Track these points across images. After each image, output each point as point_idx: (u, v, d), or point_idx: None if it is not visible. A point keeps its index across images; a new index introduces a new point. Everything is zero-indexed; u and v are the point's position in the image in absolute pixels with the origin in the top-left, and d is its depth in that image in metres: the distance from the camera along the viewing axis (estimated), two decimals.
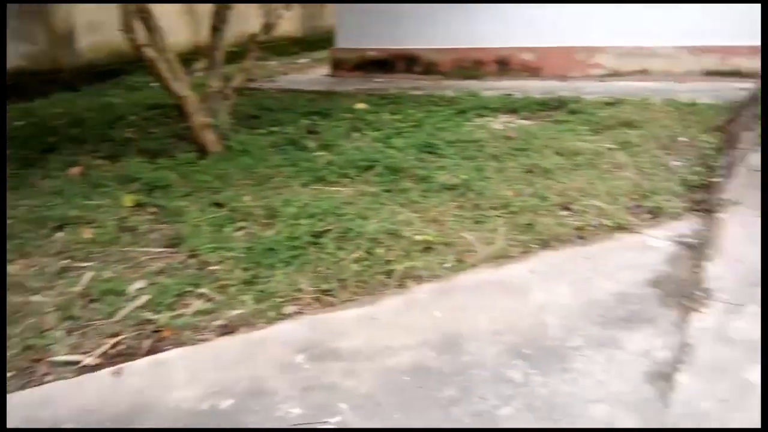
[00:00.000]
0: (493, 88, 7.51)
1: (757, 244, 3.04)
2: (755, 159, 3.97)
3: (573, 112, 5.86)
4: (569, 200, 3.71)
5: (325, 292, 2.85)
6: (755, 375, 2.09)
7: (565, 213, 3.59)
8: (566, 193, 3.80)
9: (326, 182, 4.27)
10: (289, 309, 2.74)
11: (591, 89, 7.06)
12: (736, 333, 2.34)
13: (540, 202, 3.69)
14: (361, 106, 6.63)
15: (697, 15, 6.90)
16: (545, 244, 3.24)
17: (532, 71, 8.16)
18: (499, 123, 5.76)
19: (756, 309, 2.49)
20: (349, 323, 2.62)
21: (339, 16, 9.52)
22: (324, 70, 10.16)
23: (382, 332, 2.54)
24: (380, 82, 8.60)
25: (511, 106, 6.28)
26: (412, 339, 2.47)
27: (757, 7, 5.16)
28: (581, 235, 3.32)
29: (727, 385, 2.06)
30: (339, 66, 9.45)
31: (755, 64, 6.11)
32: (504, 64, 8.30)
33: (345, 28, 9.25)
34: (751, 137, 4.40)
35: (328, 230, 3.37)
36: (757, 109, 4.77)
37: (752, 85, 5.90)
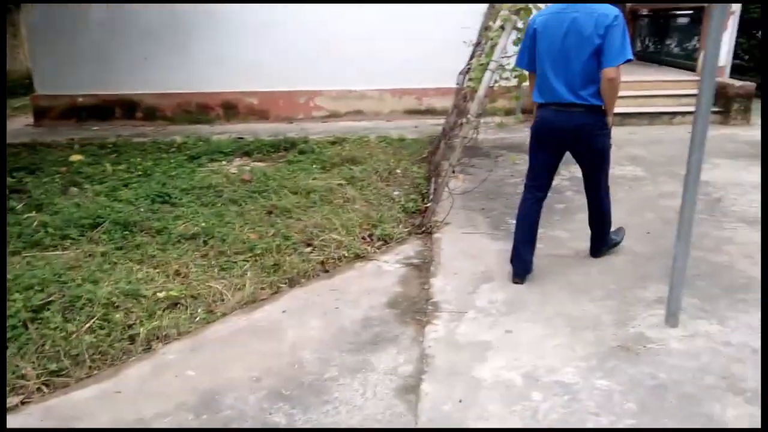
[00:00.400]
0: (223, 132, 7.49)
1: (468, 257, 3.60)
2: (453, 184, 4.70)
3: (303, 152, 6.16)
4: (310, 237, 3.89)
5: (55, 373, 2.47)
6: (483, 372, 2.45)
7: (308, 249, 3.74)
8: (307, 230, 3.97)
9: (42, 247, 3.71)
10: (13, 401, 2.31)
11: (316, 130, 7.55)
12: (462, 338, 2.73)
13: (283, 241, 3.78)
14: (77, 158, 5.96)
15: (397, 63, 7.95)
16: (293, 282, 3.34)
17: (260, 114, 8.37)
18: (233, 167, 5.75)
19: (474, 314, 2.94)
20: (88, 403, 2.32)
21: (35, 59, 8.45)
22: (26, 119, 8.87)
23: (129, 405, 2.31)
24: (97, 131, 7.86)
25: (244, 149, 6.33)
26: (165, 405, 2.29)
27: (445, 56, 6.14)
28: (325, 269, 3.51)
29: (462, 386, 2.38)
30: (44, 114, 8.34)
31: (445, 103, 7.26)
32: (231, 108, 8.34)
33: (44, 73, 8.23)
34: (446, 165, 5.20)
35: (51, 301, 2.93)
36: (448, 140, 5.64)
37: (443, 121, 6.99)
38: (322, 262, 3.54)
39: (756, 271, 3.30)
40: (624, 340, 2.67)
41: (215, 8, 7.88)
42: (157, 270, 3.37)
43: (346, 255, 3.64)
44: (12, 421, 2.23)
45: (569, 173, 5.38)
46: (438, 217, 4.25)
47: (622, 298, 3.05)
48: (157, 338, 2.76)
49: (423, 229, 4.11)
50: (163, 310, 2.95)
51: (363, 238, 3.95)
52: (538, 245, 3.78)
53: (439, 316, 2.89)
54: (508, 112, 7.68)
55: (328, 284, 3.31)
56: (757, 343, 2.59)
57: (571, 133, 3.17)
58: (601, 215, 3.50)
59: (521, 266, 3.28)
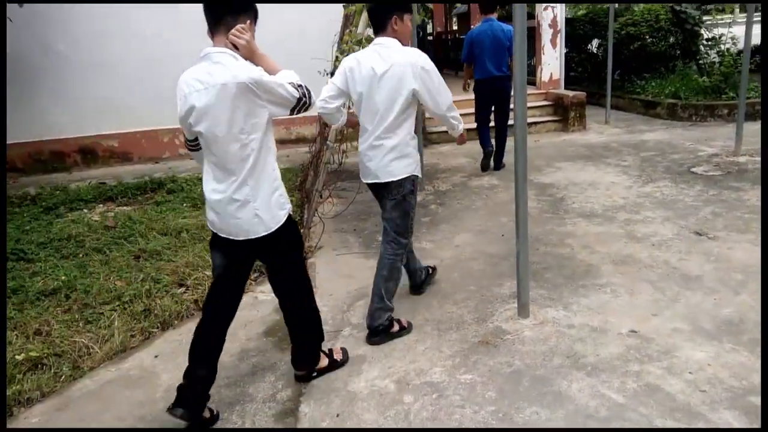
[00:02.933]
0: (82, 178, 7.10)
1: (342, 277, 3.74)
2: (325, 208, 4.84)
3: (171, 191, 6.02)
4: (183, 277, 3.83)
5: None
6: (358, 385, 2.58)
7: (181, 290, 3.69)
8: (179, 271, 3.90)
9: None
10: None
11: (185, 168, 7.38)
12: (338, 355, 2.83)
13: (154, 285, 3.69)
14: None
15: None
16: (166, 325, 3.28)
17: (122, 157, 8.03)
18: (96, 214, 5.49)
19: (350, 331, 3.07)
20: None
21: None
22: None
23: None
24: None
25: (106, 195, 6.06)
26: None
27: (309, 85, 6.29)
28: (200, 307, 3.46)
29: (339, 401, 2.48)
30: None
31: (314, 130, 7.43)
32: (89, 153, 7.93)
33: None
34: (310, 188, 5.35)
35: None
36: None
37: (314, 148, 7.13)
38: (196, 301, 3.50)
39: (594, 259, 3.74)
40: (484, 335, 2.92)
41: (58, 45, 7.46)
42: (15, 331, 3.17)
43: None
44: None
45: (433, 188, 5.74)
46: (312, 242, 4.36)
47: (481, 298, 3.33)
48: (19, 403, 2.60)
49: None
50: (24, 373, 2.78)
51: None
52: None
53: None
54: None
55: None
56: (595, 322, 2.96)
57: (499, 92, 6.02)
58: (503, 136, 6.15)
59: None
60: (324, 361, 2.64)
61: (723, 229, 4.03)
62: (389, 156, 2.81)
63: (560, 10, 8.66)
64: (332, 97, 2.87)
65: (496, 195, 5.36)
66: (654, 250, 3.79)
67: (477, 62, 6.01)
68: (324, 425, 2.32)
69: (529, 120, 7.95)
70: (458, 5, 15.39)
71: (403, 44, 2.84)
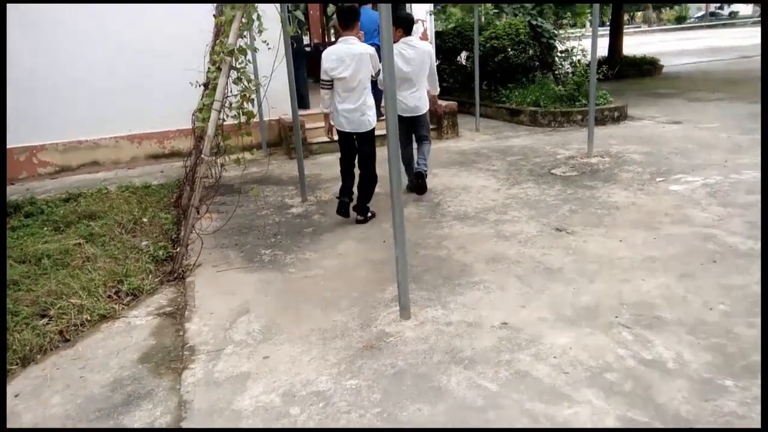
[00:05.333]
0: None
1: (224, 294, 3.64)
2: (204, 224, 4.69)
3: (29, 214, 5.51)
4: (45, 307, 3.52)
5: None
6: (243, 403, 2.52)
7: (43, 321, 3.39)
8: (40, 300, 3.59)
9: None
10: None
11: (44, 188, 6.82)
12: (221, 375, 2.76)
13: (12, 318, 3.36)
14: None
15: (131, 107, 7.59)
16: (27, 360, 3.00)
17: None
18: None
19: (233, 348, 3.00)
20: None
21: None
22: None
23: None
24: None
25: None
26: None
27: (183, 96, 6.01)
28: (66, 338, 3.22)
29: (223, 421, 2.42)
30: None
31: (189, 144, 7.16)
32: None
33: None
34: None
35: None
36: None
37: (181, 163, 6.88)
38: (61, 332, 3.24)
39: (468, 259, 3.95)
40: (368, 340, 2.98)
41: None
42: None
43: (90, 318, 3.39)
44: None
45: (315, 199, 5.76)
46: (190, 261, 4.20)
47: (365, 303, 3.40)
48: None
49: (175, 275, 4.02)
50: None
51: (109, 296, 3.71)
52: (290, 269, 4.01)
53: (196, 359, 2.88)
54: (256, 148, 7.88)
55: (69, 354, 3.05)
56: (471, 317, 3.13)
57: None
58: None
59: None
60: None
61: (579, 225, 4.42)
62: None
63: (430, 24, 9.08)
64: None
65: (378, 202, 5.47)
66: (521, 247, 4.07)
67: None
68: None
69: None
70: (334, 18, 15.58)
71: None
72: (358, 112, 4.67)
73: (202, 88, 5.30)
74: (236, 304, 3.53)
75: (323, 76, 4.68)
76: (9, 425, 2.48)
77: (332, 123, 4.91)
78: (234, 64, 4.09)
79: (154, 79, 7.53)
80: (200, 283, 3.88)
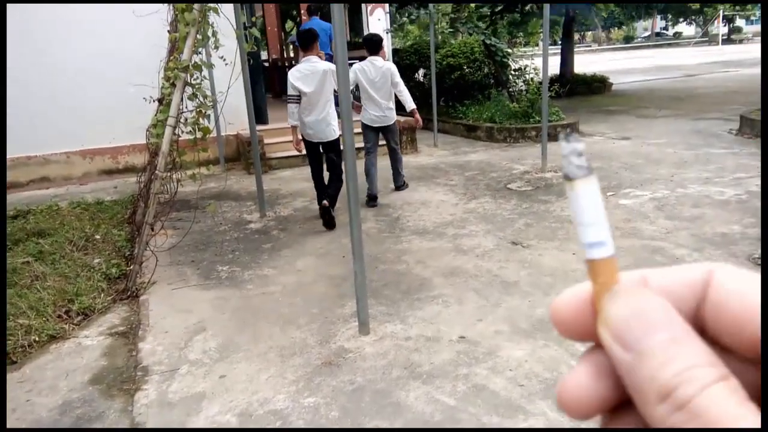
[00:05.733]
0: None
1: (179, 312, 3.57)
2: (159, 241, 4.59)
3: None
4: None
5: None
6: (197, 424, 2.48)
7: None
8: None
9: None
10: None
11: None
12: (175, 395, 2.70)
13: None
14: None
15: (84, 122, 7.40)
16: None
17: None
18: None
19: (188, 368, 2.94)
20: None
21: None
22: None
23: None
24: None
25: None
26: None
27: (137, 111, 5.89)
28: (12, 360, 3.10)
29: None
30: None
31: (144, 159, 7.02)
32: None
33: None
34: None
35: None
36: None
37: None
38: (9, 353, 3.12)
39: (427, 273, 3.99)
40: (327, 356, 2.97)
41: None
42: None
43: (38, 339, 3.27)
44: None
45: (274, 214, 5.73)
46: (144, 278, 4.11)
47: (324, 319, 3.39)
48: None
49: (129, 293, 3.92)
50: None
51: (59, 316, 3.60)
52: (248, 286, 3.97)
53: (150, 380, 2.82)
54: (213, 163, 7.78)
55: (16, 377, 2.93)
56: (429, 332, 3.15)
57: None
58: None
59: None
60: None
61: (534, 238, 4.53)
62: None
63: (387, 40, 9.18)
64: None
65: (337, 218, 5.47)
66: (478, 261, 4.14)
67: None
68: None
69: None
70: (292, 34, 15.59)
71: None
72: (324, 123, 5.10)
73: (157, 103, 5.23)
74: (192, 322, 3.47)
75: (290, 92, 5.07)
76: None
77: (299, 136, 5.26)
78: (189, 80, 4.05)
79: (106, 94, 7.38)
80: (155, 301, 3.80)
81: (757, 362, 0.23)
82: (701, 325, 0.25)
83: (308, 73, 4.97)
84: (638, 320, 0.23)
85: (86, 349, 3.20)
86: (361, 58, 6.03)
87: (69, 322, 3.55)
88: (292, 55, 14.43)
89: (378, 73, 5.74)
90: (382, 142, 6.11)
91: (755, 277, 0.24)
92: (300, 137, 5.24)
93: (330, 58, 6.60)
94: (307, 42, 5.05)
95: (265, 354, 3.04)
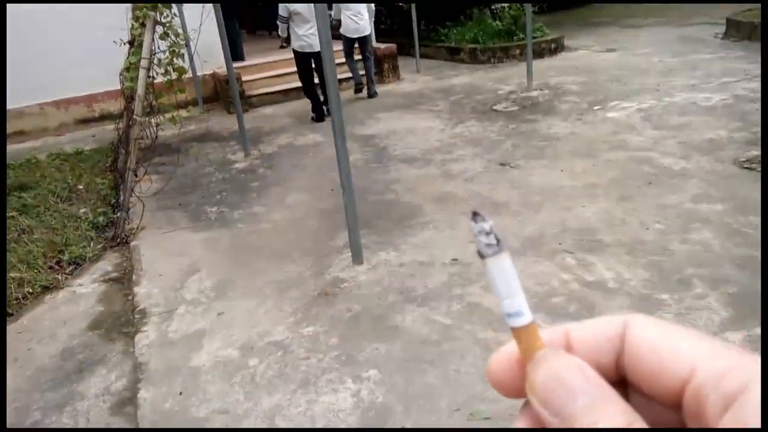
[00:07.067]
0: None
1: (171, 255, 3.56)
2: (144, 186, 4.52)
3: None
4: None
5: None
6: (200, 359, 2.52)
7: None
8: None
9: None
10: None
11: None
12: (175, 335, 2.73)
13: None
14: None
15: (54, 71, 7.13)
16: None
17: None
18: None
19: (185, 308, 2.96)
20: None
21: None
22: None
23: None
24: None
25: None
26: None
27: (110, 56, 5.65)
28: (9, 312, 3.10)
29: (181, 379, 2.41)
30: None
31: (118, 105, 6.82)
32: None
33: None
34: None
35: None
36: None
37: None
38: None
39: (417, 200, 3.97)
40: (323, 287, 3.00)
41: None
42: None
43: (32, 291, 3.27)
44: None
45: (259, 152, 5.64)
46: (133, 225, 4.08)
47: (318, 252, 3.40)
48: None
49: (118, 240, 3.90)
50: None
51: (50, 267, 3.58)
52: (239, 225, 3.96)
53: (149, 322, 2.84)
54: (191, 104, 7.58)
55: (14, 328, 2.95)
56: (423, 257, 3.17)
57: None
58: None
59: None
60: None
61: (522, 158, 4.50)
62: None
63: None
64: None
65: (323, 152, 5.40)
66: (467, 185, 4.13)
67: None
68: (167, 406, 2.25)
69: (347, 75, 8.06)
70: None
71: None
72: (314, 36, 5.60)
73: (128, 46, 5.02)
74: (185, 264, 3.47)
75: (282, 12, 6.15)
76: None
77: (293, 47, 6.34)
78: (159, 19, 3.87)
79: (75, 41, 7.06)
80: (145, 246, 3.78)
81: (678, 408, 0.24)
82: (623, 375, 0.26)
83: None
84: (560, 386, 0.25)
85: (81, 297, 3.21)
86: None
87: (61, 272, 3.54)
88: None
89: None
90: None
91: (668, 325, 0.26)
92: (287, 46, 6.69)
93: None
94: None
95: (261, 289, 3.07)
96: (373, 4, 7.19)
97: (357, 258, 3.20)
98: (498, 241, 0.26)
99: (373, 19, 8.71)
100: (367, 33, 6.98)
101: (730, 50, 7.26)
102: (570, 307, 2.56)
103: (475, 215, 0.26)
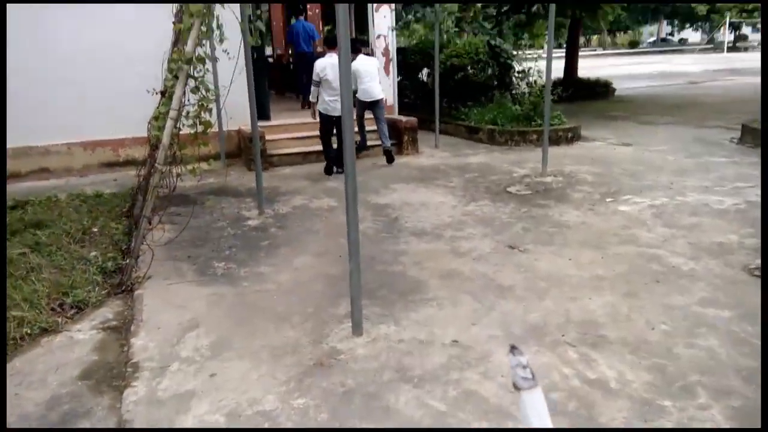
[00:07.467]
0: None
1: (173, 308, 3.56)
2: (156, 235, 4.58)
3: None
4: None
5: None
6: (185, 423, 2.47)
7: None
8: None
9: None
10: None
11: None
12: (164, 393, 2.69)
13: None
14: None
15: (86, 113, 7.40)
16: None
17: None
18: None
19: (178, 365, 2.93)
20: None
21: None
22: None
23: None
24: None
25: None
26: None
27: (140, 104, 5.88)
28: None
29: None
30: None
31: (143, 152, 7.01)
32: None
33: None
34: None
35: None
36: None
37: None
38: None
39: (423, 275, 3.97)
40: (319, 356, 2.96)
41: None
42: None
43: (30, 332, 3.27)
44: None
45: (273, 212, 5.72)
46: (140, 273, 4.10)
47: (318, 319, 3.38)
48: None
49: (123, 287, 3.92)
50: None
51: (53, 309, 3.59)
52: (244, 283, 3.96)
53: (140, 377, 2.80)
54: (214, 158, 7.77)
55: (6, 369, 2.92)
56: (423, 335, 3.14)
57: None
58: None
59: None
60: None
61: (531, 243, 4.52)
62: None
63: (391, 39, 9.17)
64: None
65: (336, 216, 5.47)
66: (474, 264, 4.13)
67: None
68: None
69: (369, 143, 8.27)
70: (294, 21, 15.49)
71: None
72: (338, 102, 6.55)
73: (159, 96, 5.22)
74: (186, 318, 3.46)
75: (314, 78, 6.91)
76: None
77: (317, 109, 7.11)
78: (192, 73, 4.04)
79: (109, 86, 7.37)
80: (149, 296, 3.79)
81: None
82: None
83: (328, 65, 6.72)
84: None
85: (78, 343, 3.19)
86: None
87: (62, 315, 3.54)
88: (281, 52, 14.31)
89: (370, 64, 7.60)
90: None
91: None
92: (317, 111, 7.13)
93: (311, 55, 9.62)
94: (332, 43, 6.89)
95: (257, 353, 3.04)
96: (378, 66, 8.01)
97: (357, 329, 3.18)
98: (533, 375, 0.27)
99: (394, 89, 9.11)
100: (380, 98, 7.57)
101: (744, 156, 7.37)
102: (569, 405, 2.50)
103: (513, 349, 0.27)
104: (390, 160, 7.73)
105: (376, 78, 7.59)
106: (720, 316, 3.23)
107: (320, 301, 3.64)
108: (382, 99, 7.68)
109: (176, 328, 3.34)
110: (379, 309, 3.48)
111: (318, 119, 7.18)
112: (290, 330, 3.27)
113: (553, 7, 6.33)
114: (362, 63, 7.39)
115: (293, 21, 11.68)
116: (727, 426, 2.33)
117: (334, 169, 7.23)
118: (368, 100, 7.56)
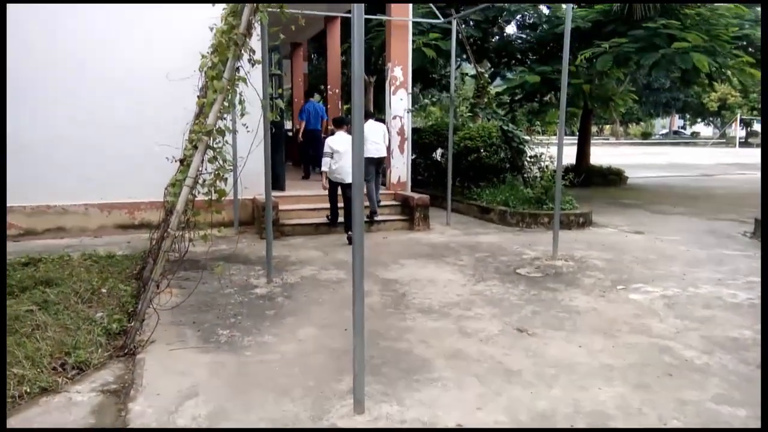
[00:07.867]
0: None
1: (174, 374, 3.51)
2: (163, 299, 4.58)
3: None
4: None
5: None
6: None
7: None
8: None
9: None
10: None
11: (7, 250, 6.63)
12: None
13: None
14: None
15: (103, 176, 7.62)
16: None
17: None
18: None
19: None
20: None
21: None
22: None
23: None
24: None
25: None
26: None
27: (157, 169, 6.07)
28: None
29: None
30: None
31: (158, 216, 7.14)
32: None
33: None
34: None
35: None
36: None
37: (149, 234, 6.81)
38: None
39: (429, 354, 3.91)
40: None
41: None
42: None
43: (29, 391, 3.22)
44: None
45: (281, 281, 5.72)
46: (144, 336, 4.08)
47: (319, 394, 3.31)
48: None
49: (126, 350, 3.88)
50: None
51: (54, 368, 3.55)
52: (246, 352, 3.92)
53: None
54: (227, 225, 7.89)
55: None
56: (426, 417, 3.05)
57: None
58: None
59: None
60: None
61: (541, 326, 4.45)
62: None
63: (407, 120, 9.49)
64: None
65: (344, 289, 5.46)
66: (482, 345, 4.06)
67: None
68: None
69: (379, 218, 8.38)
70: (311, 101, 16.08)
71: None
72: (345, 171, 7.37)
73: (178, 163, 5.38)
74: (186, 385, 3.40)
75: (326, 150, 7.59)
76: None
77: (327, 177, 7.77)
78: (211, 144, 4.18)
79: (132, 152, 7.62)
80: (151, 360, 3.75)
81: None
82: None
83: (338, 140, 7.55)
84: None
85: (76, 405, 3.13)
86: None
87: (63, 375, 3.50)
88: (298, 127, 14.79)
89: (378, 130, 8.63)
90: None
91: None
92: (326, 179, 7.82)
93: (318, 132, 11.52)
94: (339, 124, 7.87)
95: (255, 425, 2.96)
96: (386, 131, 8.88)
97: (359, 407, 3.10)
98: None
99: (407, 167, 9.39)
100: (384, 155, 8.68)
101: (757, 249, 7.33)
102: None
103: None
104: (370, 222, 8.40)
105: (380, 140, 8.52)
106: (735, 415, 3.12)
107: (323, 374, 3.58)
108: (384, 157, 8.71)
109: (175, 395, 3.28)
110: (383, 387, 3.41)
111: (328, 185, 7.99)
112: (290, 404, 3.20)
113: (563, 96, 6.55)
114: (368, 127, 8.32)
115: (304, 102, 12.45)
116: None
117: (347, 234, 7.64)
118: (375, 156, 8.39)
